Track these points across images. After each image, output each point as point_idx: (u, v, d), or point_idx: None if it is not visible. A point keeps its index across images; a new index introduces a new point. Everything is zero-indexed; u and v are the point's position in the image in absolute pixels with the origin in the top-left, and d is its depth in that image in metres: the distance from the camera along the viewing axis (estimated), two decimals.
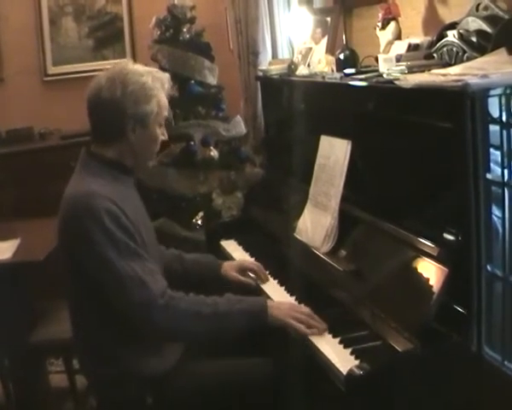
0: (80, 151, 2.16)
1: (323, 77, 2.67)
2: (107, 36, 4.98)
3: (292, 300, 2.27)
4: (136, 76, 2.07)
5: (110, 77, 2.07)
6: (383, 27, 2.62)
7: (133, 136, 2.07)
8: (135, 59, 4.77)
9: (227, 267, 2.48)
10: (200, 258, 2.54)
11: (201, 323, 2.00)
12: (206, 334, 2.04)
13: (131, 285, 1.95)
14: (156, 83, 2.10)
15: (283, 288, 2.39)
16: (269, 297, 2.31)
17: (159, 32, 3.97)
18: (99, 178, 2.05)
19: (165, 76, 2.19)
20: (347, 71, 2.50)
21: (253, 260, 2.68)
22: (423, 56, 2.26)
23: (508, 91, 1.70)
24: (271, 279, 2.47)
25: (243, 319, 2.04)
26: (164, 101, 2.13)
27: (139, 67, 2.13)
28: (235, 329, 2.05)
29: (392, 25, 2.59)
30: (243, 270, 2.49)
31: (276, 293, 2.36)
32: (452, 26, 2.20)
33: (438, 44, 2.20)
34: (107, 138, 2.10)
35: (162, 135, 2.16)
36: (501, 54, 1.90)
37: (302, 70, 2.94)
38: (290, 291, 2.34)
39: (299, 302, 2.23)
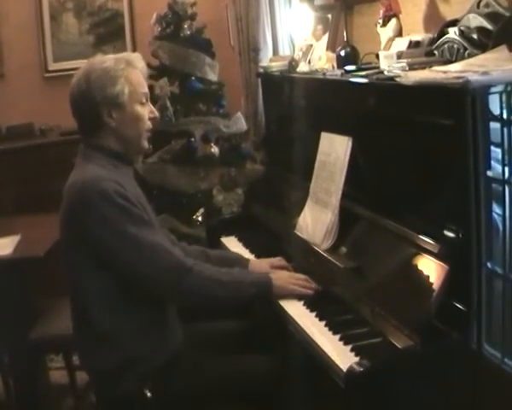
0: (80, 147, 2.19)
1: (324, 74, 2.66)
2: (108, 32, 4.98)
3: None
4: (98, 64, 2.11)
5: (78, 74, 2.13)
6: (384, 24, 2.62)
7: (112, 121, 2.10)
8: None
9: (255, 266, 2.45)
10: (226, 255, 2.56)
11: (222, 289, 2.12)
12: (224, 299, 2.16)
13: (157, 253, 2.04)
14: (120, 64, 2.11)
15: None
16: None
17: (159, 29, 3.96)
18: (100, 167, 2.08)
19: (135, 55, 2.21)
20: (348, 68, 2.50)
21: (278, 258, 2.53)
22: (424, 53, 2.25)
23: (509, 88, 1.69)
24: None
25: (253, 288, 2.18)
26: (136, 78, 2.14)
27: (105, 56, 2.16)
28: (246, 297, 2.19)
29: (393, 22, 2.59)
30: (271, 268, 2.44)
31: None
32: (453, 23, 2.20)
33: (439, 41, 2.19)
34: (92, 130, 2.13)
35: (150, 113, 2.18)
36: (502, 51, 1.90)
37: (303, 67, 2.93)
38: None
39: (299, 299, 2.23)
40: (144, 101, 2.16)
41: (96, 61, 2.13)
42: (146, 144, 2.20)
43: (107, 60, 2.12)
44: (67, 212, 2.07)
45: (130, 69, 2.12)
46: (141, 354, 2.08)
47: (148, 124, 2.17)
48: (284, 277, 2.30)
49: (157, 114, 2.23)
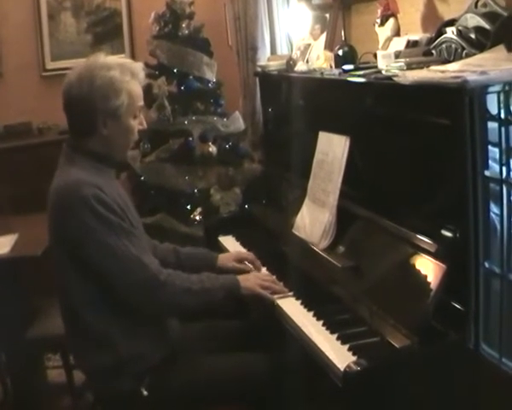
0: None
1: (322, 73, 2.67)
2: (106, 31, 4.97)
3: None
4: (103, 70, 2.06)
5: (79, 73, 2.08)
6: (382, 24, 2.62)
7: (105, 130, 2.09)
8: (133, 54, 4.79)
9: (223, 259, 2.50)
10: (195, 251, 2.55)
11: (192, 298, 2.13)
12: (195, 307, 2.17)
13: (132, 266, 2.03)
14: (125, 75, 2.08)
15: (281, 284, 2.37)
16: None
17: (157, 28, 3.96)
18: (83, 170, 2.07)
19: (138, 65, 2.19)
20: (346, 67, 2.50)
21: (247, 252, 2.68)
22: (422, 53, 2.26)
23: (506, 88, 1.70)
24: None
25: (222, 292, 2.18)
26: (136, 91, 2.12)
27: (109, 60, 2.12)
28: (215, 302, 2.18)
29: (391, 21, 2.59)
30: (240, 260, 2.51)
31: None
32: (451, 22, 2.20)
33: (436, 41, 2.20)
34: (82, 133, 2.12)
35: (140, 125, 2.18)
36: (500, 51, 1.90)
37: (301, 66, 2.93)
38: (288, 287, 2.33)
39: (297, 299, 2.24)
40: (138, 114, 2.16)
41: (99, 65, 2.07)
42: (127, 155, 2.29)
43: (112, 66, 2.07)
44: (51, 215, 2.08)
45: (134, 81, 2.11)
46: (136, 353, 2.08)
47: (136, 136, 2.18)
48: (251, 278, 2.30)
49: (145, 125, 2.23)
